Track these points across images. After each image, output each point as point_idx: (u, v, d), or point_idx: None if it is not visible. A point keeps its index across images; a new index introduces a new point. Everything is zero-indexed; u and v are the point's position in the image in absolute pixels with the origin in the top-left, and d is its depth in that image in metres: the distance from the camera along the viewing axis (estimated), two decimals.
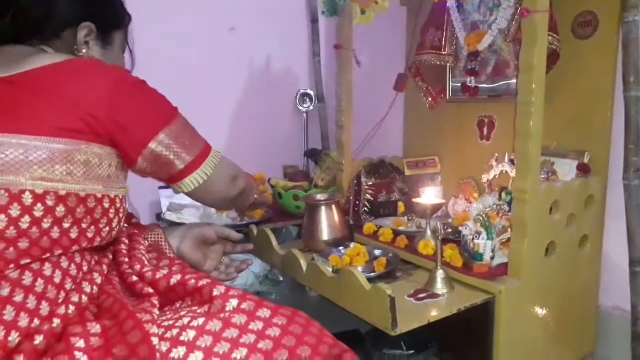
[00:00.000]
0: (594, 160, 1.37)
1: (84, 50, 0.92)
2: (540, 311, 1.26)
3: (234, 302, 0.74)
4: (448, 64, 1.64)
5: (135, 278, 0.83)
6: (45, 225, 0.73)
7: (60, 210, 0.75)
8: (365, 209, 1.65)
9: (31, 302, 0.70)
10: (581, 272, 1.38)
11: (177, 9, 1.70)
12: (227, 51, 1.83)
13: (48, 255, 0.74)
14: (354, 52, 1.66)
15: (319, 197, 1.55)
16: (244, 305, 0.74)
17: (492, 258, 1.22)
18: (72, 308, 0.74)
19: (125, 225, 0.95)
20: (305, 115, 1.97)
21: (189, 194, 0.94)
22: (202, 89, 1.78)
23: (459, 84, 1.66)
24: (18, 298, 0.68)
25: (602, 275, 1.45)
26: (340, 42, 1.66)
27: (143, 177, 0.92)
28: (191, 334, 0.68)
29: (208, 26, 1.77)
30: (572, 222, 1.31)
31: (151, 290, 0.79)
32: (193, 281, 0.79)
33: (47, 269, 0.73)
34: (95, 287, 0.80)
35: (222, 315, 0.72)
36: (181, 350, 0.66)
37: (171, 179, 0.91)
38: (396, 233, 1.47)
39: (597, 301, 1.46)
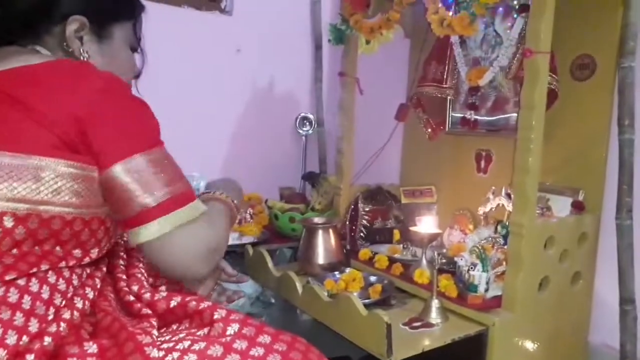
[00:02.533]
0: (588, 198, 1.41)
1: (75, 47, 0.82)
2: (532, 345, 1.28)
3: (235, 327, 0.72)
4: (448, 97, 1.68)
5: (132, 297, 0.80)
6: (25, 248, 0.69)
7: (44, 232, 0.70)
8: (362, 234, 1.67)
9: (18, 319, 0.65)
10: (572, 307, 1.40)
11: (184, 29, 1.73)
12: (232, 72, 1.86)
13: (35, 270, 0.69)
14: (357, 80, 1.70)
15: (316, 220, 1.57)
16: (244, 330, 0.72)
17: (487, 290, 1.24)
18: (63, 325, 0.70)
19: (125, 237, 0.89)
20: (304, 138, 1.99)
21: (146, 249, 0.75)
22: (205, 108, 1.80)
23: (459, 117, 1.70)
24: (4, 316, 0.64)
25: (593, 312, 1.48)
26: (345, 69, 1.70)
27: None
28: (192, 358, 0.66)
29: (214, 46, 1.81)
30: (565, 258, 1.33)
31: (149, 311, 0.76)
32: (194, 303, 0.76)
33: (34, 285, 0.69)
34: (87, 303, 0.76)
35: (223, 340, 0.70)
36: None
37: (128, 221, 0.74)
38: (392, 260, 1.49)
39: (587, 337, 1.48)
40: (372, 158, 1.89)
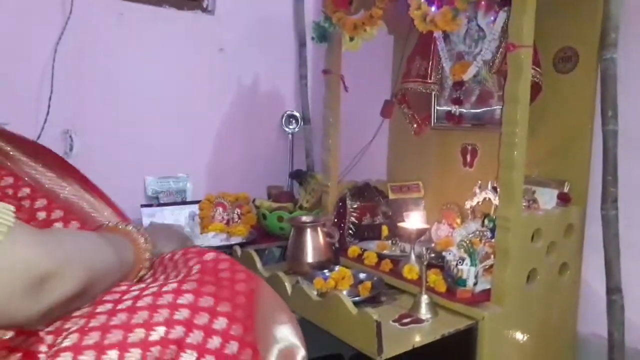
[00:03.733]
0: (574, 190, 1.42)
1: None
2: (521, 337, 1.28)
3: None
4: (433, 92, 1.68)
5: None
6: None
7: None
8: (350, 231, 1.66)
9: None
10: (560, 298, 1.41)
11: (166, 29, 1.71)
12: (215, 71, 1.84)
13: None
14: (342, 77, 1.69)
15: (304, 219, 1.56)
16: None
17: (475, 284, 1.24)
18: None
19: None
20: (290, 136, 1.99)
21: None
22: (189, 108, 1.78)
23: (444, 112, 1.71)
24: None
25: (581, 302, 1.49)
26: (329, 67, 1.69)
27: None
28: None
29: (197, 46, 1.79)
30: (552, 250, 1.34)
31: None
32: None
33: None
34: None
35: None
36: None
37: None
38: (380, 257, 1.49)
39: (576, 327, 1.50)
40: (358, 155, 1.88)
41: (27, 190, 0.73)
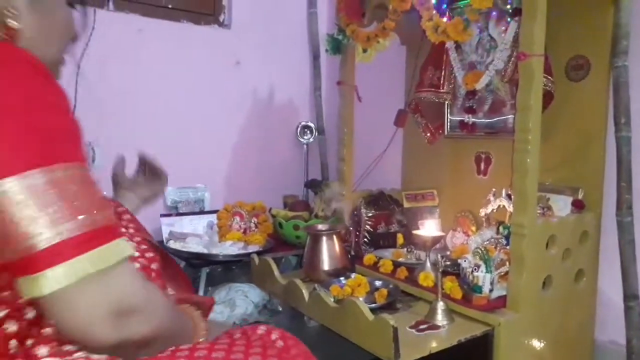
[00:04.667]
0: (588, 197, 1.42)
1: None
2: (538, 344, 1.28)
3: None
4: (446, 102, 1.70)
5: None
6: None
7: None
8: (365, 239, 1.68)
9: None
10: (577, 305, 1.40)
11: (185, 43, 1.76)
12: (232, 84, 1.88)
13: None
14: (356, 88, 1.72)
15: (320, 227, 1.58)
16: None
17: (491, 290, 1.24)
18: None
19: None
20: (305, 146, 2.02)
21: (41, 302, 0.52)
22: (206, 120, 1.82)
23: (457, 121, 1.72)
24: None
25: (598, 309, 1.48)
26: (343, 78, 1.72)
27: None
28: None
29: (214, 59, 1.83)
30: (567, 256, 1.34)
31: None
32: None
33: None
34: None
35: None
36: None
37: (21, 263, 0.51)
38: (396, 264, 1.50)
39: (593, 335, 1.49)
40: (373, 164, 1.90)
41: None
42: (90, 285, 0.52)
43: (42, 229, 0.50)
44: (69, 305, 0.52)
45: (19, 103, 0.52)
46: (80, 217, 0.52)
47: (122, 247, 0.55)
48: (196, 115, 1.80)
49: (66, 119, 0.56)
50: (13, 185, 0.49)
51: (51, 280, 0.50)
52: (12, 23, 0.60)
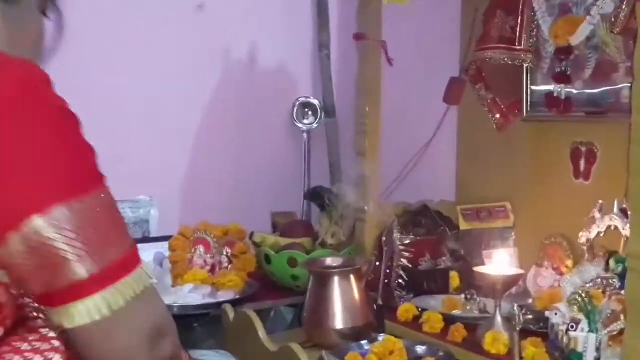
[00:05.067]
0: None
1: None
2: None
3: None
4: (525, 65, 1.69)
5: None
6: None
7: None
8: (400, 280, 1.67)
9: None
10: None
11: None
12: (191, 41, 1.88)
13: None
14: (384, 44, 1.71)
15: (329, 261, 1.57)
16: None
17: (597, 359, 1.23)
18: None
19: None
20: (305, 135, 2.02)
21: (75, 334, 0.75)
22: (153, 97, 1.82)
23: (542, 94, 1.70)
24: None
25: None
26: (363, 29, 1.72)
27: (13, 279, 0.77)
28: None
29: (164, 1, 1.83)
30: None
31: None
32: None
33: None
34: None
35: None
36: None
37: (52, 296, 0.74)
38: (448, 319, 1.49)
39: None
40: (410, 162, 1.89)
41: None
42: (126, 313, 0.74)
43: (74, 263, 0.71)
44: (107, 335, 0.75)
45: (40, 125, 0.73)
46: (110, 248, 0.75)
47: (147, 268, 0.79)
48: (134, 91, 1.80)
49: (80, 141, 0.77)
50: (40, 221, 0.70)
51: (87, 311, 0.72)
52: None
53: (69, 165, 0.75)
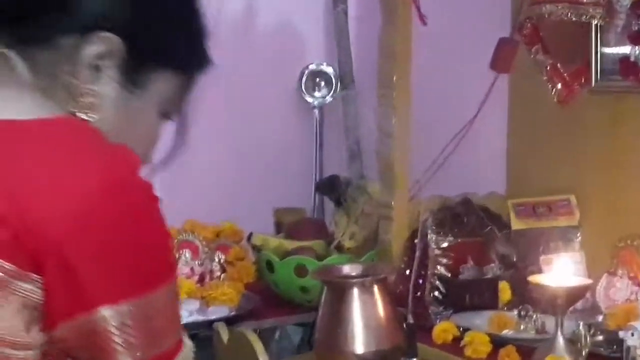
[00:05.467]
0: None
1: (82, 80, 0.84)
2: None
3: None
4: (593, 22, 1.68)
5: None
6: None
7: None
8: (436, 293, 1.67)
9: None
10: None
11: None
12: None
13: None
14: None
15: (347, 270, 1.57)
16: None
17: None
18: None
19: None
20: (317, 112, 2.03)
21: None
22: None
23: (616, 59, 1.71)
24: None
25: None
26: None
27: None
28: None
29: None
30: None
31: None
32: None
33: None
34: None
35: None
36: None
37: None
38: (497, 341, 1.49)
39: None
40: (449, 146, 1.89)
41: None
42: None
43: (122, 354, 0.81)
44: None
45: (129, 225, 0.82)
46: (163, 340, 0.86)
47: (189, 346, 0.91)
48: None
49: (163, 230, 0.86)
50: (107, 313, 0.79)
51: None
52: (91, 116, 0.86)
53: (149, 259, 0.83)
